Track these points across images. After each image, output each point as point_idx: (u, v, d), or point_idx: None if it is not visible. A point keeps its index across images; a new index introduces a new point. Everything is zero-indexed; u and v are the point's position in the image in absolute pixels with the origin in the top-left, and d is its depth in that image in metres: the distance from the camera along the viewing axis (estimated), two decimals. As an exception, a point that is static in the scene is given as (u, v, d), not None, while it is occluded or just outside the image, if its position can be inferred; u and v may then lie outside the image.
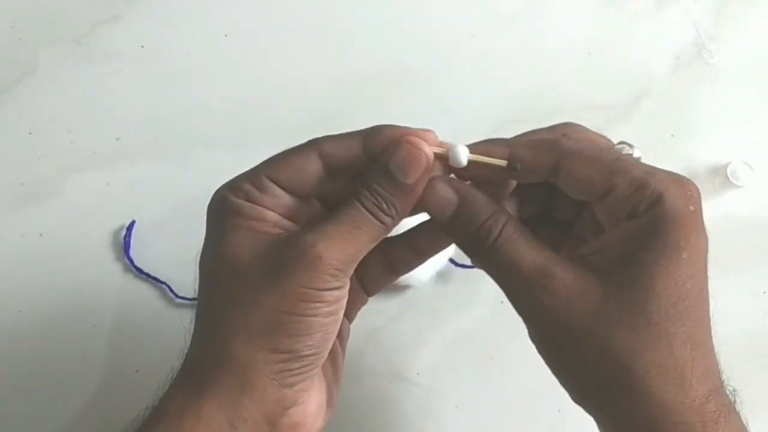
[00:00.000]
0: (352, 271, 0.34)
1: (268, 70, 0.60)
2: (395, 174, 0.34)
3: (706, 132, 0.60)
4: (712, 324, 0.33)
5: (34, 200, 0.56)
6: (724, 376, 0.33)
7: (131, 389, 0.49)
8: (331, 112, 0.59)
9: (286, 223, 0.35)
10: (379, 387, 0.52)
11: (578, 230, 0.37)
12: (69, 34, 0.60)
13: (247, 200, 0.34)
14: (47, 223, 0.55)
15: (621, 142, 0.36)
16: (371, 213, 0.34)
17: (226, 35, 0.61)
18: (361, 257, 0.35)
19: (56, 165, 0.56)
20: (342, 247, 0.33)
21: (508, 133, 0.58)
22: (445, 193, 0.35)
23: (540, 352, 0.34)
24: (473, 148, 0.36)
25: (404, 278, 0.52)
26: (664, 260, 0.31)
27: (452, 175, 0.36)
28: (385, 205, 0.34)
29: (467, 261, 0.54)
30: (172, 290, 0.53)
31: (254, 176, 0.34)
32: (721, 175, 0.58)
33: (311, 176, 0.35)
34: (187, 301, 0.53)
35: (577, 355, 0.32)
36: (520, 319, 0.35)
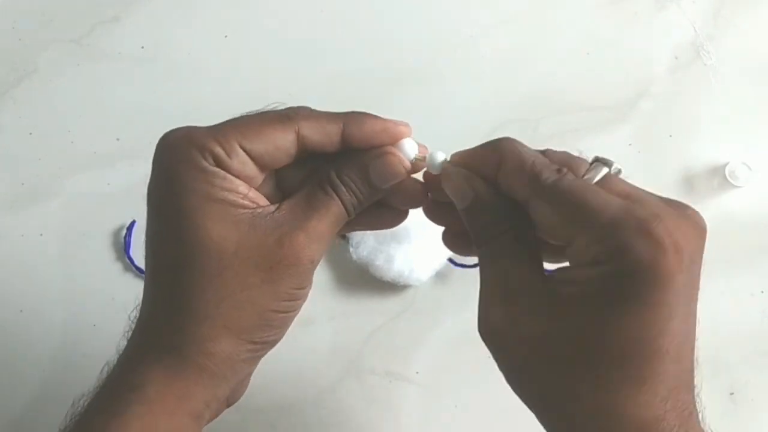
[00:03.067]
0: None
1: (268, 70, 0.60)
2: (374, 180, 0.35)
3: (704, 132, 0.60)
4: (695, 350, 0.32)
5: (34, 200, 0.56)
6: (713, 386, 0.33)
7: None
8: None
9: (253, 194, 0.34)
10: (378, 386, 0.52)
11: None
12: (69, 35, 0.60)
13: (217, 166, 0.33)
14: (47, 223, 0.55)
15: (596, 159, 0.34)
16: (347, 211, 0.35)
17: (226, 35, 0.61)
18: None
19: (56, 165, 0.56)
20: (324, 245, 0.35)
21: (507, 133, 0.59)
22: (464, 188, 0.35)
23: (495, 360, 0.35)
24: (469, 152, 0.36)
25: (404, 278, 0.53)
26: (621, 314, 0.30)
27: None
28: (357, 204, 0.35)
29: (466, 261, 0.54)
30: (172, 290, 0.53)
31: (224, 138, 0.33)
32: (720, 175, 0.58)
33: (284, 154, 0.34)
34: (187, 301, 0.53)
35: (521, 380, 0.34)
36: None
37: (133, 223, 0.54)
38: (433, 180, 0.36)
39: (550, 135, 0.59)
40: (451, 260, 0.54)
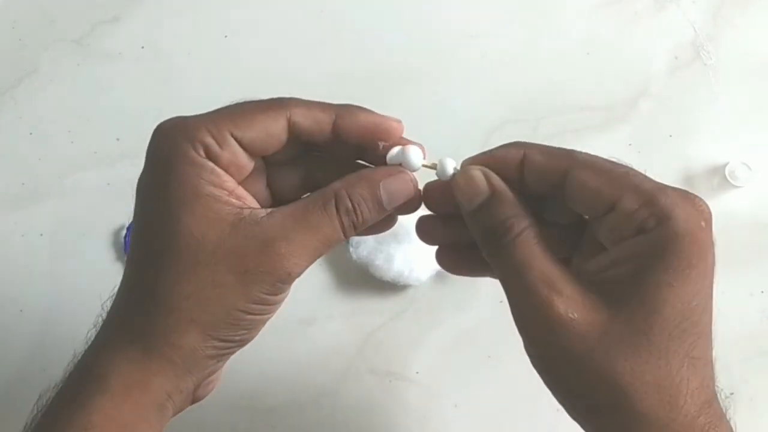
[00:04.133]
0: None
1: (268, 70, 0.60)
2: (383, 202, 0.34)
3: (704, 132, 0.60)
4: (713, 330, 0.33)
5: (34, 200, 0.56)
6: (718, 382, 0.33)
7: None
8: (330, 112, 0.59)
9: (240, 191, 0.34)
10: (378, 386, 0.52)
11: (585, 245, 0.36)
12: (69, 35, 0.60)
13: (208, 157, 0.33)
14: (47, 223, 0.55)
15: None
16: (343, 230, 0.34)
17: (226, 35, 0.61)
18: None
19: (56, 165, 0.57)
20: (308, 261, 0.34)
21: (507, 133, 0.59)
22: (480, 183, 0.34)
23: (534, 366, 0.34)
24: (486, 153, 0.35)
25: (403, 278, 0.53)
26: (674, 280, 0.31)
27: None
28: (359, 223, 0.34)
29: (467, 261, 0.54)
30: (172, 290, 0.53)
31: (216, 129, 0.33)
32: (720, 176, 0.58)
33: (275, 140, 0.34)
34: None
35: (573, 376, 0.32)
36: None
37: (133, 223, 0.54)
38: (434, 189, 0.36)
39: (550, 135, 0.59)
40: (451, 260, 0.54)
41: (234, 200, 0.33)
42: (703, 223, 0.31)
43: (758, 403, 0.53)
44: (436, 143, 0.60)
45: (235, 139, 0.33)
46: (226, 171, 0.33)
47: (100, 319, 0.36)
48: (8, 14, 0.60)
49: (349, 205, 0.34)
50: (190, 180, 0.33)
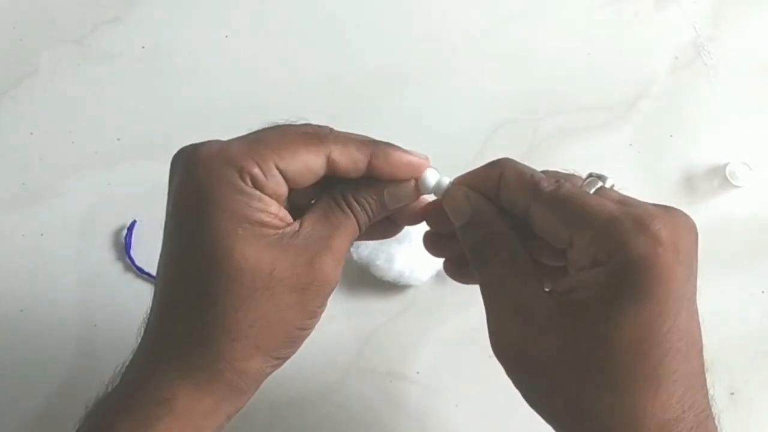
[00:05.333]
0: None
1: (268, 70, 0.60)
2: (387, 202, 0.37)
3: (704, 132, 0.60)
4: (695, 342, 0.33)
5: (34, 200, 0.56)
6: (712, 390, 0.34)
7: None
8: (331, 112, 0.58)
9: (282, 213, 0.35)
10: (379, 386, 0.52)
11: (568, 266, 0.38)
12: (70, 35, 0.60)
13: (254, 186, 0.33)
14: (48, 223, 0.55)
15: (590, 175, 0.35)
16: (360, 228, 0.37)
17: (226, 35, 0.61)
18: None
19: (57, 165, 0.56)
20: (342, 263, 0.36)
21: (507, 133, 0.59)
22: (461, 203, 0.37)
23: (514, 385, 0.35)
24: (472, 172, 0.37)
25: (404, 278, 0.53)
26: (628, 307, 0.31)
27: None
28: (368, 223, 0.37)
29: (467, 261, 0.54)
30: (172, 290, 0.53)
31: (261, 159, 0.34)
32: (720, 176, 0.58)
33: (314, 175, 0.35)
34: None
35: (543, 396, 0.34)
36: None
37: (133, 223, 0.54)
38: (434, 209, 0.38)
39: (550, 135, 0.59)
40: (451, 260, 0.54)
41: (278, 222, 0.34)
42: (660, 249, 0.31)
43: (758, 403, 0.53)
44: (436, 143, 0.60)
45: (278, 170, 0.34)
46: (270, 197, 0.34)
47: (142, 333, 0.36)
48: (8, 14, 0.60)
49: (357, 206, 0.36)
50: (241, 209, 0.33)
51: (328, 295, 0.36)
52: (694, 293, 0.33)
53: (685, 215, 0.33)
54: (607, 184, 0.35)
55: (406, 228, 0.42)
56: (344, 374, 0.52)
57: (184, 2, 0.62)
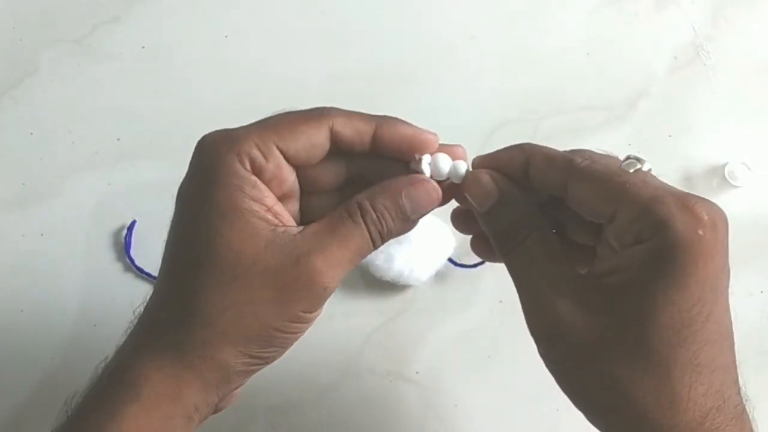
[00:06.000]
0: None
1: (268, 70, 0.60)
2: (406, 211, 0.35)
3: (703, 132, 0.60)
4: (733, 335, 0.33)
5: (34, 200, 0.56)
6: (741, 386, 0.34)
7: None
8: (330, 112, 0.59)
9: (278, 207, 0.34)
10: (379, 386, 0.53)
11: (600, 248, 0.37)
12: (70, 35, 0.60)
13: (253, 170, 0.33)
14: (48, 223, 0.55)
15: (628, 157, 0.35)
16: (373, 241, 0.35)
17: (226, 35, 0.61)
18: None
19: (57, 165, 0.57)
20: (342, 274, 0.34)
21: (507, 133, 0.59)
22: (488, 186, 0.35)
23: (546, 365, 0.35)
24: (492, 155, 0.36)
25: (404, 278, 0.53)
26: (669, 289, 0.31)
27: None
28: (386, 234, 0.35)
29: (466, 261, 0.54)
30: (172, 290, 0.53)
31: (261, 141, 0.33)
32: (719, 176, 0.58)
33: (319, 150, 0.35)
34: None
35: (578, 378, 0.33)
36: (518, 319, 0.35)
37: (133, 223, 0.54)
38: (457, 188, 0.37)
39: (550, 135, 0.59)
40: (451, 260, 0.54)
41: (270, 217, 0.34)
42: (701, 231, 0.31)
43: (758, 403, 0.53)
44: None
45: (281, 151, 0.34)
46: (268, 185, 0.34)
47: (131, 328, 0.36)
48: (8, 14, 0.60)
49: (374, 215, 0.34)
50: (232, 193, 0.33)
51: (317, 301, 0.34)
52: (728, 286, 0.33)
53: (721, 208, 0.33)
54: (644, 168, 0.34)
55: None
56: (344, 374, 0.53)
57: (184, 2, 0.62)
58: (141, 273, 0.53)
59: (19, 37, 0.60)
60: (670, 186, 0.34)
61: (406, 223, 0.35)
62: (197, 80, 0.59)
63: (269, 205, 0.34)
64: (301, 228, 0.34)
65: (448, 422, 0.52)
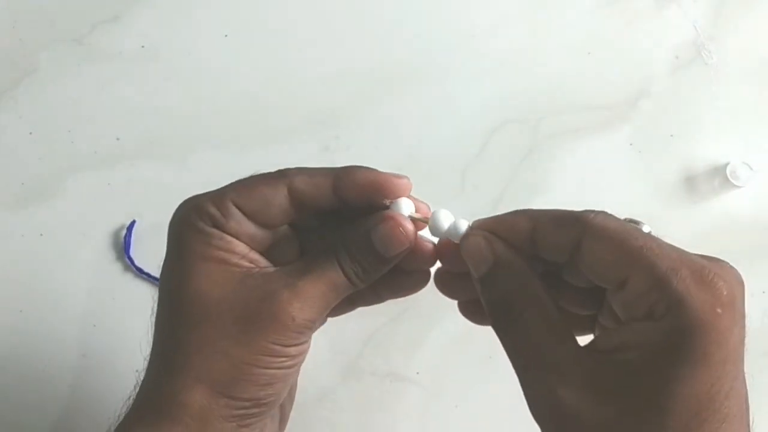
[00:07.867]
0: (318, 326, 0.35)
1: (268, 70, 0.60)
2: (377, 248, 0.35)
3: (705, 132, 0.60)
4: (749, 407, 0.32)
5: (34, 200, 0.56)
6: None
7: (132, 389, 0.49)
8: (331, 112, 0.59)
9: (254, 255, 0.35)
10: (379, 387, 0.52)
11: (602, 317, 0.35)
12: (69, 35, 0.60)
13: (214, 226, 0.34)
14: (47, 223, 0.55)
15: (626, 220, 0.33)
16: (348, 278, 0.35)
17: (226, 35, 0.61)
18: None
19: (56, 165, 0.56)
20: (315, 307, 0.34)
21: (507, 133, 0.59)
22: (483, 251, 0.34)
23: None
24: (494, 219, 0.35)
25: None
26: (686, 374, 0.29)
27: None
28: (362, 273, 0.35)
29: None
30: (172, 290, 0.53)
31: (219, 200, 0.34)
32: (721, 175, 0.58)
33: (277, 209, 0.35)
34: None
35: None
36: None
37: (133, 223, 0.54)
38: (445, 249, 0.36)
39: (550, 135, 0.59)
40: (451, 260, 0.54)
41: (246, 263, 0.34)
42: (719, 310, 0.29)
43: (759, 403, 0.53)
44: (436, 143, 0.60)
45: (239, 209, 0.34)
46: (237, 238, 0.34)
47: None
48: (8, 14, 0.60)
49: (344, 251, 0.35)
50: (199, 247, 0.34)
51: (286, 332, 0.33)
52: (744, 352, 0.31)
53: (735, 270, 0.32)
54: (644, 230, 0.33)
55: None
56: (344, 375, 0.52)
57: (184, 2, 0.62)
58: (140, 273, 0.53)
59: (18, 36, 0.60)
60: (686, 253, 0.31)
61: (384, 261, 0.35)
62: (197, 80, 0.59)
63: (243, 253, 0.34)
64: (278, 268, 0.35)
65: (449, 423, 0.52)
